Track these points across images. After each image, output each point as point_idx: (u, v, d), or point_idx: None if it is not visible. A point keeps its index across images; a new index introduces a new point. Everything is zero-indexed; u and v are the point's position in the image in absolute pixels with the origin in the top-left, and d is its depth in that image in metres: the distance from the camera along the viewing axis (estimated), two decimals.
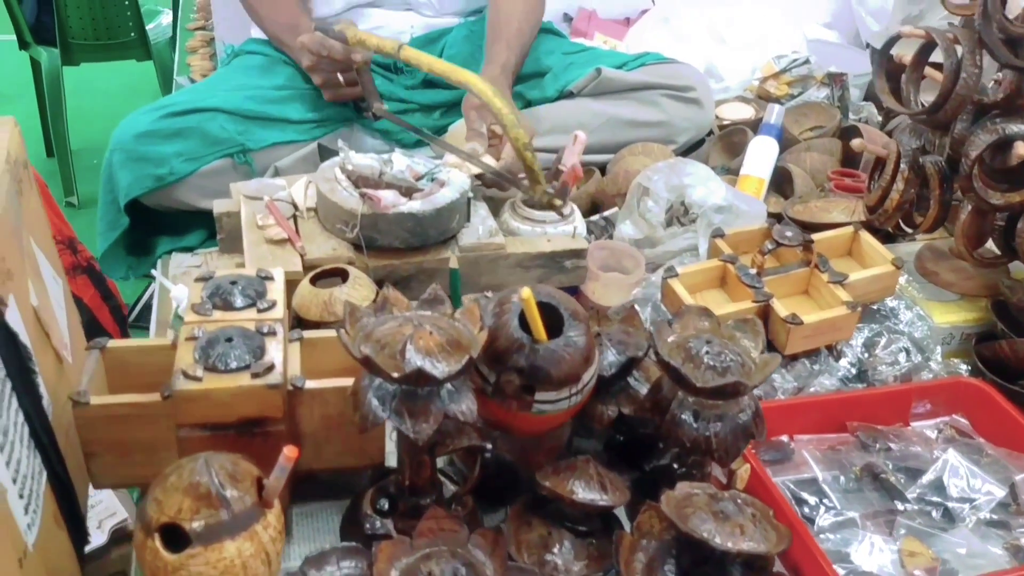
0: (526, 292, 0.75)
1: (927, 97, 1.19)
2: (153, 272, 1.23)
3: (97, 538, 1.16)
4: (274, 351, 0.85)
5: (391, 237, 1.16)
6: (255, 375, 0.82)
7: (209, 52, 2.14)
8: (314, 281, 1.04)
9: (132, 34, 3.15)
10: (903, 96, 1.23)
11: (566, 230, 1.28)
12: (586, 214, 1.51)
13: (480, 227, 1.23)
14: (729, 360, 0.78)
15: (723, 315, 0.97)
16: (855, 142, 1.28)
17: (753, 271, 1.16)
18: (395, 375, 0.71)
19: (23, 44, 3.15)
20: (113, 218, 1.40)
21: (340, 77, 1.41)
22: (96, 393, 0.86)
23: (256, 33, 1.64)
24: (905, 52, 1.23)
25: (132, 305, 1.99)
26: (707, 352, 0.78)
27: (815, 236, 1.22)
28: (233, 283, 0.94)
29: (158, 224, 1.46)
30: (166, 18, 3.38)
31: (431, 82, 1.62)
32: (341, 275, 1.05)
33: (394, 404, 0.76)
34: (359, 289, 1.02)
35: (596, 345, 0.82)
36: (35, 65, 3.16)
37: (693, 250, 1.33)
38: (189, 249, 1.44)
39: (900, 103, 1.22)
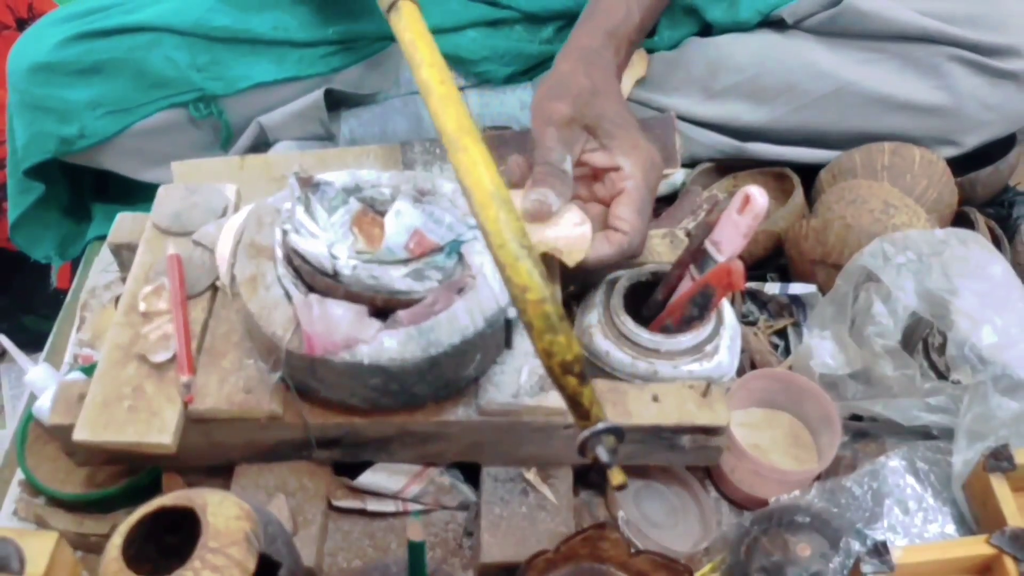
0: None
1: None
2: (0, 340, 0.75)
3: None
4: None
5: (342, 392, 0.62)
6: None
7: None
8: (138, 540, 0.53)
9: None
10: None
11: (699, 371, 0.68)
12: (758, 264, 0.88)
13: (525, 368, 0.65)
14: None
15: None
16: None
17: None
18: None
19: None
20: (22, 179, 0.92)
21: None
22: None
23: None
24: None
25: None
26: None
27: None
28: None
29: (95, 180, 0.98)
30: None
31: None
32: (193, 525, 0.53)
33: None
34: None
35: None
36: None
37: (945, 434, 0.70)
38: None
39: None
